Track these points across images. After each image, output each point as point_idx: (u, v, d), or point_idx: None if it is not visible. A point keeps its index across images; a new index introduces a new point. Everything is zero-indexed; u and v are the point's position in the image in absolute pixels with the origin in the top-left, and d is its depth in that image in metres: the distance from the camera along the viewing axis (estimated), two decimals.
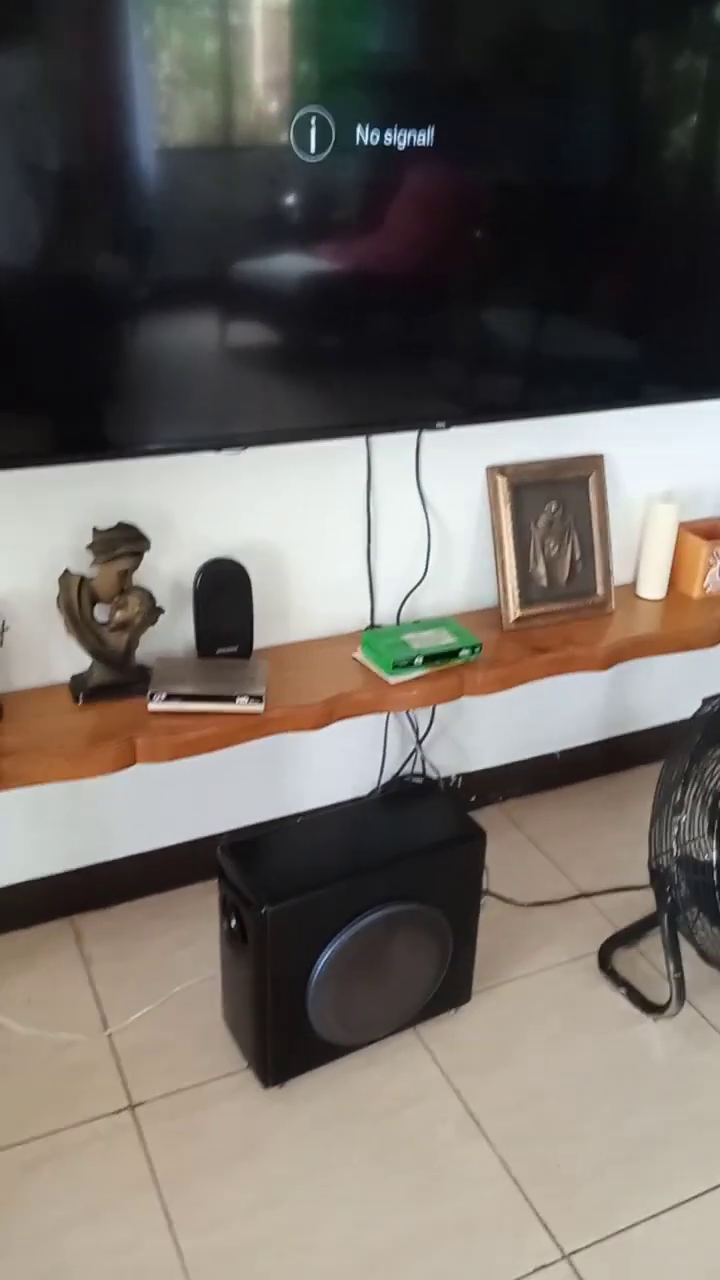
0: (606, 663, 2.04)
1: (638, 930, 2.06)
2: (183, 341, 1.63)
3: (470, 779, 2.37)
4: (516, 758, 2.42)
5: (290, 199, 1.61)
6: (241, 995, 1.69)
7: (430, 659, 1.88)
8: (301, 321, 1.71)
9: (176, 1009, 1.87)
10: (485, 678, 1.93)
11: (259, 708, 1.74)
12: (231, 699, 1.73)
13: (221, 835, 2.11)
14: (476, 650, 1.92)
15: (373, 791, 2.24)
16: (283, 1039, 1.68)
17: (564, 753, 2.48)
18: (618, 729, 2.54)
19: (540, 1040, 1.85)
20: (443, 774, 2.32)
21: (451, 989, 1.83)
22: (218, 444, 1.73)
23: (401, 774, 2.26)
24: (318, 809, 2.19)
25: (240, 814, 2.13)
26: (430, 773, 2.29)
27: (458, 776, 2.35)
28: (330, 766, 2.18)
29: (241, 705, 1.73)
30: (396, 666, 1.85)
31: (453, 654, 1.90)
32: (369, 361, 1.79)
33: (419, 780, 2.27)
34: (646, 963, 2.01)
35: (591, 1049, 1.84)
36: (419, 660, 1.87)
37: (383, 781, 2.24)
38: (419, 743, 2.25)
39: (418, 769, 2.28)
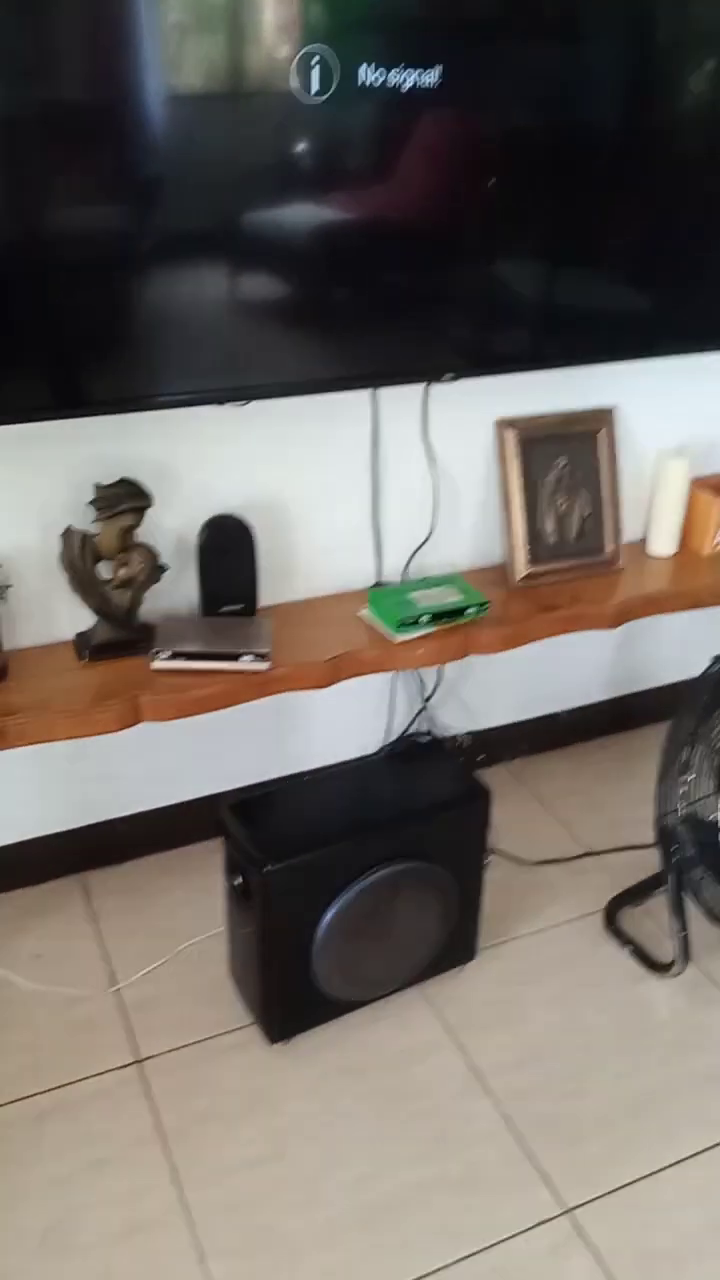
0: (615, 621, 2.02)
1: (644, 889, 2.06)
2: (187, 292, 1.60)
3: (478, 738, 2.36)
4: (524, 716, 2.41)
5: (295, 144, 1.57)
6: (247, 952, 1.69)
7: (436, 617, 1.86)
8: (308, 272, 1.68)
9: (183, 965, 1.88)
10: (492, 636, 1.91)
11: (264, 666, 1.72)
12: (236, 657, 1.72)
13: (228, 793, 2.12)
14: (484, 608, 1.90)
15: (379, 750, 2.23)
16: (288, 995, 1.68)
17: (572, 711, 2.47)
18: (626, 687, 2.52)
19: (545, 998, 1.86)
20: (450, 733, 2.32)
21: (456, 947, 1.83)
22: (222, 397, 1.71)
23: (408, 733, 2.25)
24: (324, 767, 2.19)
25: (247, 772, 2.13)
26: (438, 732, 2.28)
27: (465, 735, 2.34)
28: (337, 725, 2.17)
29: (246, 664, 1.72)
30: (402, 625, 1.84)
31: (459, 612, 1.89)
32: (376, 313, 1.75)
33: (426, 739, 2.26)
34: (652, 921, 2.01)
35: (596, 1007, 1.85)
36: (425, 618, 1.85)
37: (389, 740, 2.24)
38: (426, 701, 2.23)
39: (425, 728, 2.27)
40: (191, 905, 1.99)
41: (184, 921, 1.96)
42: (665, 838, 1.83)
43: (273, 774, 2.16)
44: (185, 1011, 1.80)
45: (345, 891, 1.61)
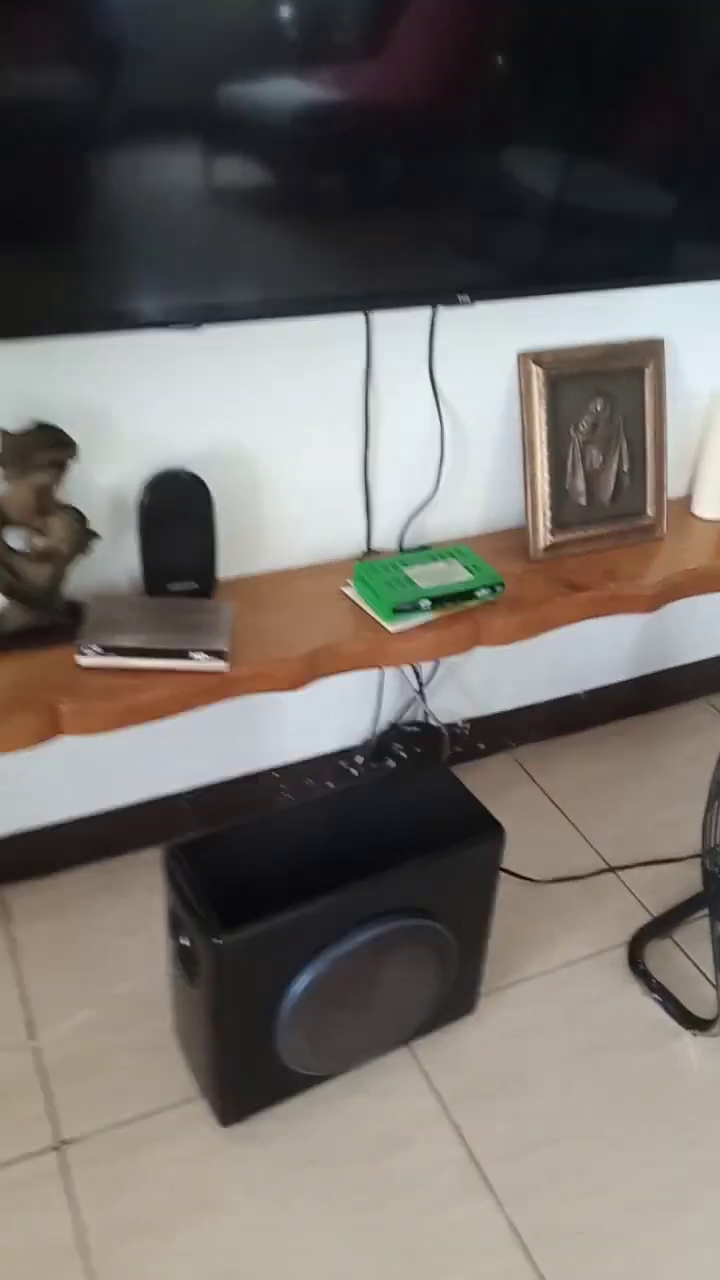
0: (655, 603, 1.66)
1: (674, 917, 1.74)
2: (134, 185, 1.19)
3: (479, 724, 2.01)
4: (534, 699, 2.06)
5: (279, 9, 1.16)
6: (194, 1024, 1.36)
7: (439, 601, 1.50)
8: (288, 164, 1.27)
9: (120, 1012, 1.55)
10: (506, 624, 1.55)
11: (220, 666, 1.36)
12: (185, 654, 1.36)
13: (182, 795, 1.78)
14: (497, 589, 1.54)
15: (366, 743, 1.89)
16: (245, 1074, 1.36)
17: (590, 692, 2.12)
18: (654, 664, 2.17)
19: (557, 1058, 1.55)
20: (448, 720, 1.97)
21: (454, 1000, 1.51)
22: (173, 318, 1.31)
23: (400, 722, 1.90)
24: (290, 803, 1.85)
25: (205, 769, 1.78)
26: (433, 718, 1.93)
27: (465, 722, 1.99)
28: (315, 712, 1.82)
29: (198, 662, 1.36)
30: (398, 612, 1.47)
31: (468, 594, 1.52)
32: (374, 216, 1.35)
33: (418, 729, 1.91)
34: (684, 958, 1.69)
35: (619, 1070, 1.54)
36: (426, 603, 1.49)
37: (378, 731, 1.89)
38: (421, 689, 1.88)
39: (419, 715, 1.92)
40: (132, 934, 1.66)
41: (123, 953, 1.63)
42: (712, 879, 1.50)
43: (236, 771, 1.81)
44: (120, 1077, 1.48)
45: (318, 959, 1.28)
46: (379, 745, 1.89)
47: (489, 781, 2.01)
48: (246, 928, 1.21)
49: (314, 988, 1.29)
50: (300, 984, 1.28)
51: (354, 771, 1.89)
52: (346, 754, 1.89)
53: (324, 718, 1.83)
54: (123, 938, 1.66)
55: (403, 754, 1.90)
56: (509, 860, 1.81)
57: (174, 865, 1.29)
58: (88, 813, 1.73)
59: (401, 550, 1.67)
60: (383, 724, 1.89)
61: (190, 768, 1.77)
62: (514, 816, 1.91)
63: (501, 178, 1.40)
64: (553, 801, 1.99)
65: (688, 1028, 1.59)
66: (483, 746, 2.04)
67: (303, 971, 1.28)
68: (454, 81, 1.32)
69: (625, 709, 2.18)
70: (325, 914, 1.27)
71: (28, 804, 1.68)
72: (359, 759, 1.89)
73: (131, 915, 1.69)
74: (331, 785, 1.89)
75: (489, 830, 1.38)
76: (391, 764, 1.91)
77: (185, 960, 1.31)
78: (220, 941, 1.20)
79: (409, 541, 1.68)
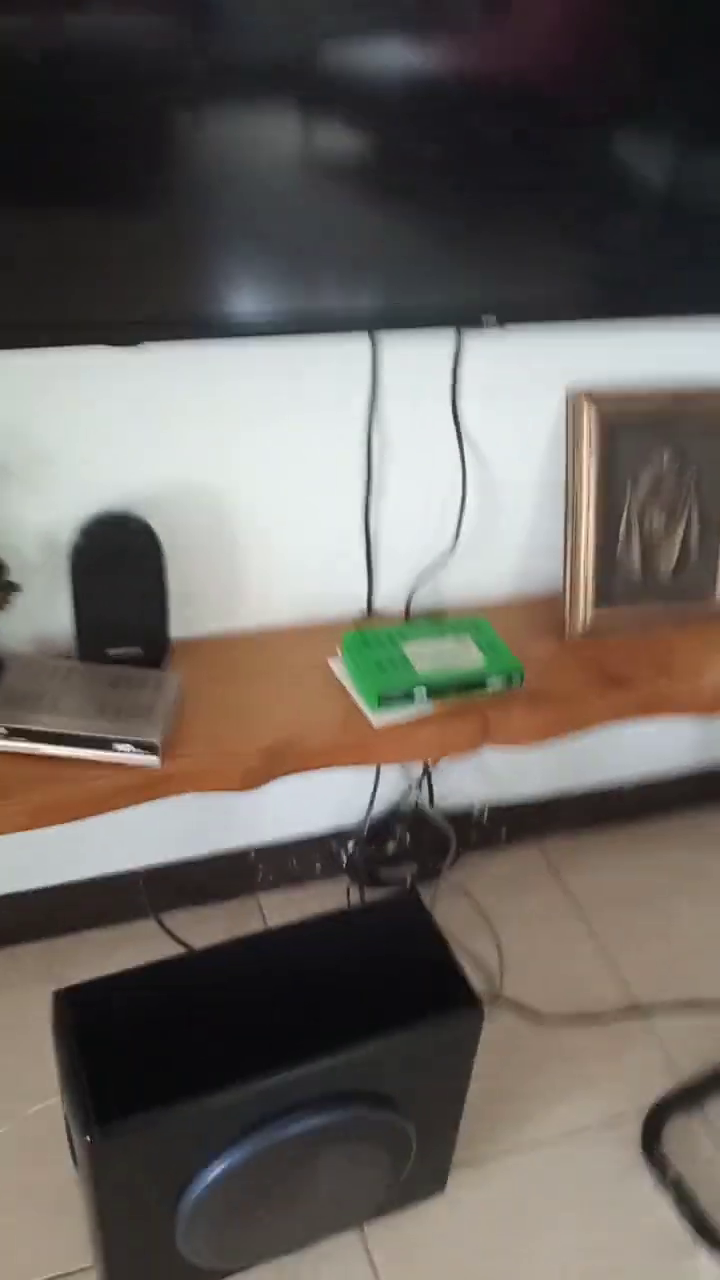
0: (716, 707, 1.35)
1: (711, 1084, 1.43)
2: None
3: (502, 809, 1.72)
4: (569, 785, 1.75)
5: None
6: (84, 1200, 1.11)
7: (440, 691, 1.21)
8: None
9: (27, 1142, 1.31)
10: (526, 723, 1.25)
11: (150, 761, 1.10)
12: (109, 744, 1.10)
13: (136, 874, 1.53)
14: (515, 679, 1.25)
15: (360, 825, 1.61)
16: (140, 1266, 1.10)
17: (636, 785, 1.80)
18: (714, 753, 1.84)
19: (540, 1258, 1.26)
20: (464, 803, 1.68)
21: (417, 1180, 1.23)
22: (120, 335, 1.04)
23: (402, 806, 1.62)
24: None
25: (165, 845, 1.53)
26: (443, 798, 1.65)
27: (483, 808, 1.70)
28: (303, 785, 1.54)
29: (124, 755, 1.10)
30: (386, 700, 1.19)
31: (477, 683, 1.23)
32: (409, 216, 1.07)
33: (420, 810, 1.63)
34: (715, 1143, 1.39)
35: None
36: (421, 692, 1.20)
37: (372, 813, 1.61)
38: (425, 775, 1.59)
39: (426, 793, 1.64)
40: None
41: (44, 1061, 1.38)
42: None
43: (205, 849, 1.55)
44: (14, 1229, 1.23)
45: (229, 1153, 1.01)
46: (376, 829, 1.61)
47: (507, 878, 1.71)
48: (132, 1121, 0.95)
49: (223, 1186, 1.02)
50: (203, 1183, 1.02)
51: (345, 856, 1.62)
52: (340, 836, 1.61)
53: (314, 791, 1.56)
54: (46, 1041, 1.41)
55: (403, 840, 1.62)
56: (513, 985, 1.53)
57: (62, 1015, 1.03)
58: (21, 889, 1.48)
59: (408, 617, 1.39)
60: (384, 802, 1.61)
61: (147, 841, 1.51)
62: (528, 925, 1.63)
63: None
64: (578, 911, 1.69)
65: (706, 1243, 1.28)
66: (504, 834, 1.75)
67: (208, 1168, 1.01)
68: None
69: (678, 804, 1.86)
70: (240, 1103, 1.00)
71: None
72: (350, 844, 1.61)
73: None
74: (319, 867, 1.63)
75: (464, 1005, 1.09)
76: (391, 845, 1.63)
77: (71, 1131, 1.05)
78: (96, 1138, 0.93)
79: (422, 604, 1.39)
